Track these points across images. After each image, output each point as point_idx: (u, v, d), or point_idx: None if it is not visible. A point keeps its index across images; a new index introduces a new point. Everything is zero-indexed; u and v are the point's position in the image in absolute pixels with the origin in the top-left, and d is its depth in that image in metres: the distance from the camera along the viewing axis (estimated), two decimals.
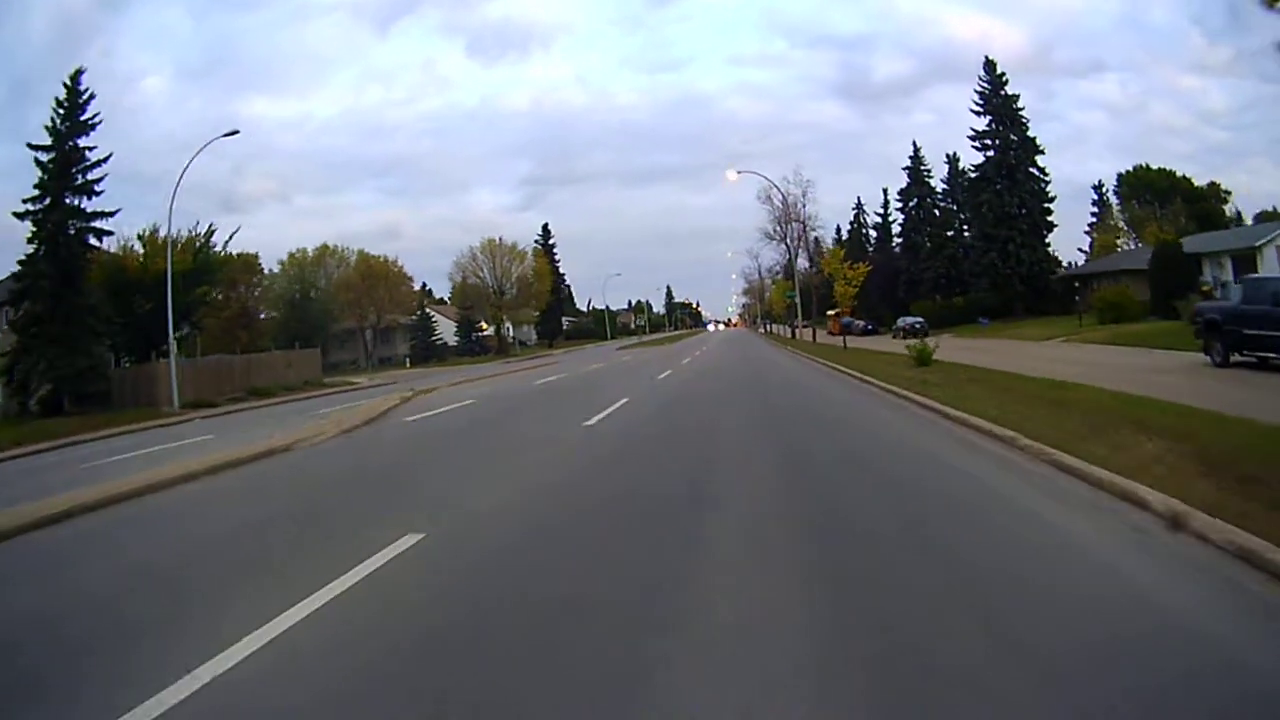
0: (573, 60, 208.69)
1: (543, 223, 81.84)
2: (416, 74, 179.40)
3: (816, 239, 50.20)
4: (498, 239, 57.02)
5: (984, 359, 17.37)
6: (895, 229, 64.64)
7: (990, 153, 48.14)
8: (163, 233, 30.46)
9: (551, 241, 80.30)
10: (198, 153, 26.98)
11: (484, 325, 70.33)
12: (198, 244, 31.36)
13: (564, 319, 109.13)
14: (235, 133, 28.37)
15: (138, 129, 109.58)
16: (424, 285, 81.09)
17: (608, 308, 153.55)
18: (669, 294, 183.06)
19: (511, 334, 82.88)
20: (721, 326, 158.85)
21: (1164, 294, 31.76)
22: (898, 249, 61.52)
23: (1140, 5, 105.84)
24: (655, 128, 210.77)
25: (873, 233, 70.61)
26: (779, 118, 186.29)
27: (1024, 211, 46.59)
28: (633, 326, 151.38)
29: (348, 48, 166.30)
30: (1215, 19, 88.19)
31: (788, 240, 48.40)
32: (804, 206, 47.52)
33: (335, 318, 58.10)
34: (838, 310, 64.91)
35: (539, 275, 58.08)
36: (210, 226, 31.22)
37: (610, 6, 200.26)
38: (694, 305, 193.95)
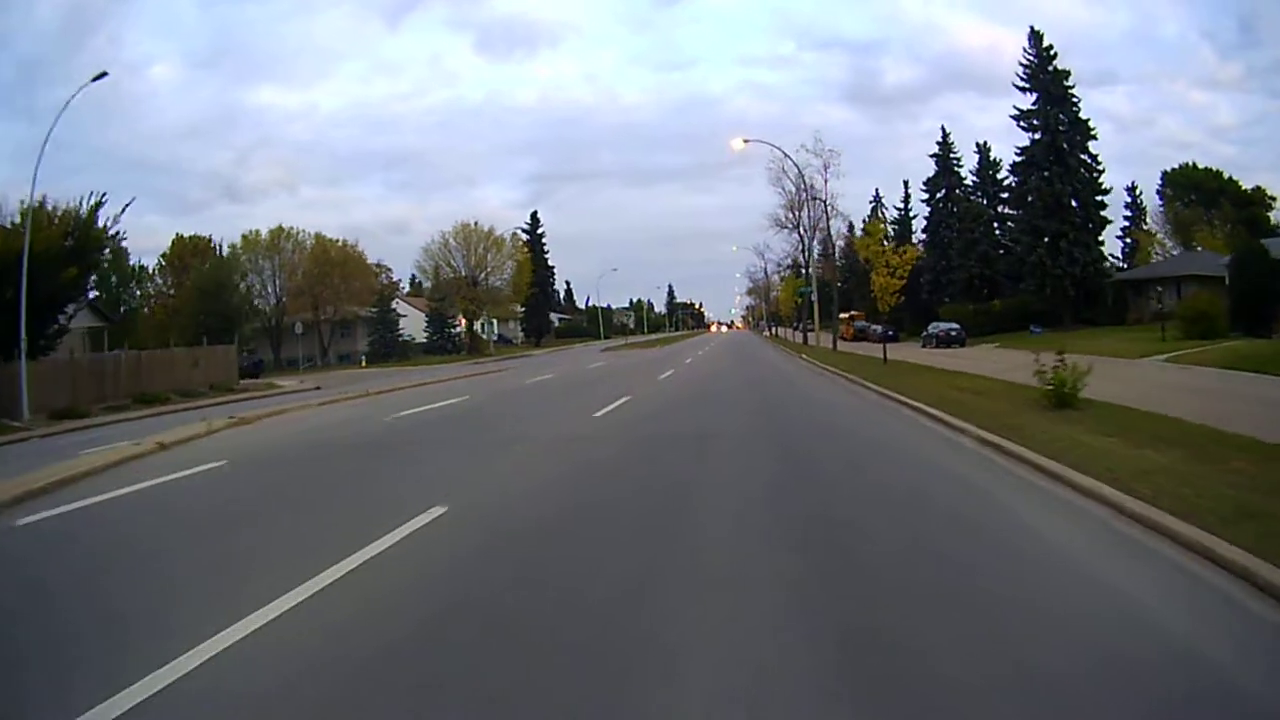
0: (580, 58, 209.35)
1: (531, 210, 75.51)
2: (424, 68, 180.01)
3: (850, 225, 43.47)
4: (472, 222, 51.07)
5: (1114, 391, 11.01)
6: (917, 225, 58.82)
7: (1036, 134, 41.70)
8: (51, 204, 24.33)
9: (540, 231, 74.14)
10: (71, 98, 22.45)
11: (461, 320, 64.29)
12: (72, 220, 24.95)
13: (557, 316, 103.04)
14: (104, 75, 23.30)
15: (145, 116, 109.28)
16: (412, 278, 75.09)
17: (607, 305, 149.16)
18: (670, 294, 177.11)
19: (494, 331, 76.62)
20: (724, 328, 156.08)
21: (1249, 304, 27.07)
22: (920, 246, 55.17)
23: (1151, 19, 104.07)
24: (662, 127, 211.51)
25: (891, 228, 64.28)
26: (787, 120, 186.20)
27: (1076, 203, 40.17)
28: (631, 326, 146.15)
29: (356, 40, 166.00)
30: (1227, 34, 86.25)
31: (801, 228, 42.04)
32: (826, 181, 40.10)
33: (286, 310, 51.89)
34: (851, 314, 58.64)
35: (519, 266, 51.74)
36: (97, 199, 24.83)
37: (619, 6, 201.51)
38: (696, 306, 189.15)
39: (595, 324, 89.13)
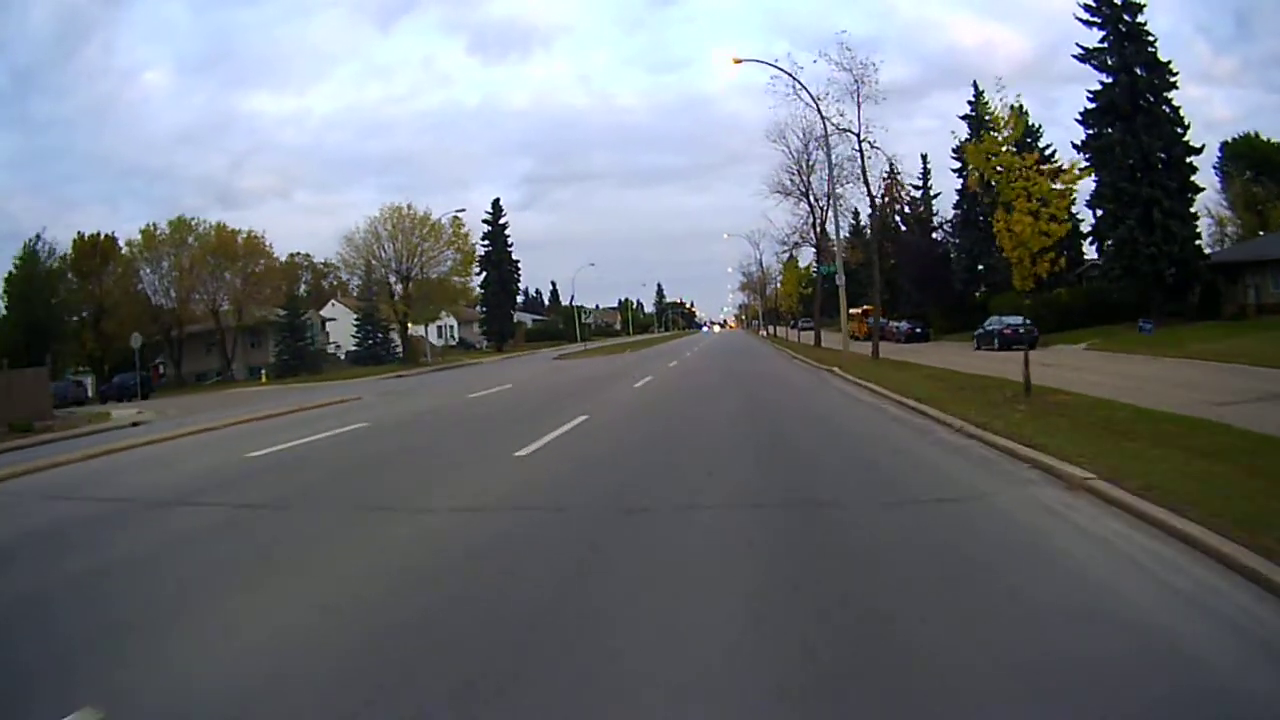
0: (574, 60, 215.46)
1: (494, 198, 66.25)
2: (418, 71, 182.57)
3: (891, 168, 32.75)
4: (404, 205, 41.83)
5: None
6: (943, 204, 50.23)
7: (1108, 76, 32.87)
8: None
9: (503, 221, 64.92)
10: None
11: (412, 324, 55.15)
12: None
13: (530, 317, 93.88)
14: None
15: (139, 123, 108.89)
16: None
17: (596, 305, 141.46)
18: (659, 292, 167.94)
19: (453, 335, 67.25)
20: (716, 328, 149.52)
21: None
22: (950, 227, 46.34)
23: (1145, 13, 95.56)
24: (656, 128, 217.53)
25: (907, 210, 55.53)
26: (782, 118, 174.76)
27: (1163, 165, 31.36)
28: (617, 327, 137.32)
29: (349, 44, 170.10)
30: (1222, 28, 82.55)
31: (812, 195, 32.59)
32: (860, 105, 24.20)
33: (180, 317, 42.59)
34: (864, 308, 49.67)
35: (463, 257, 42.63)
36: None
37: (612, 7, 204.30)
38: (687, 305, 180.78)
39: (571, 325, 79.82)
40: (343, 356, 48.66)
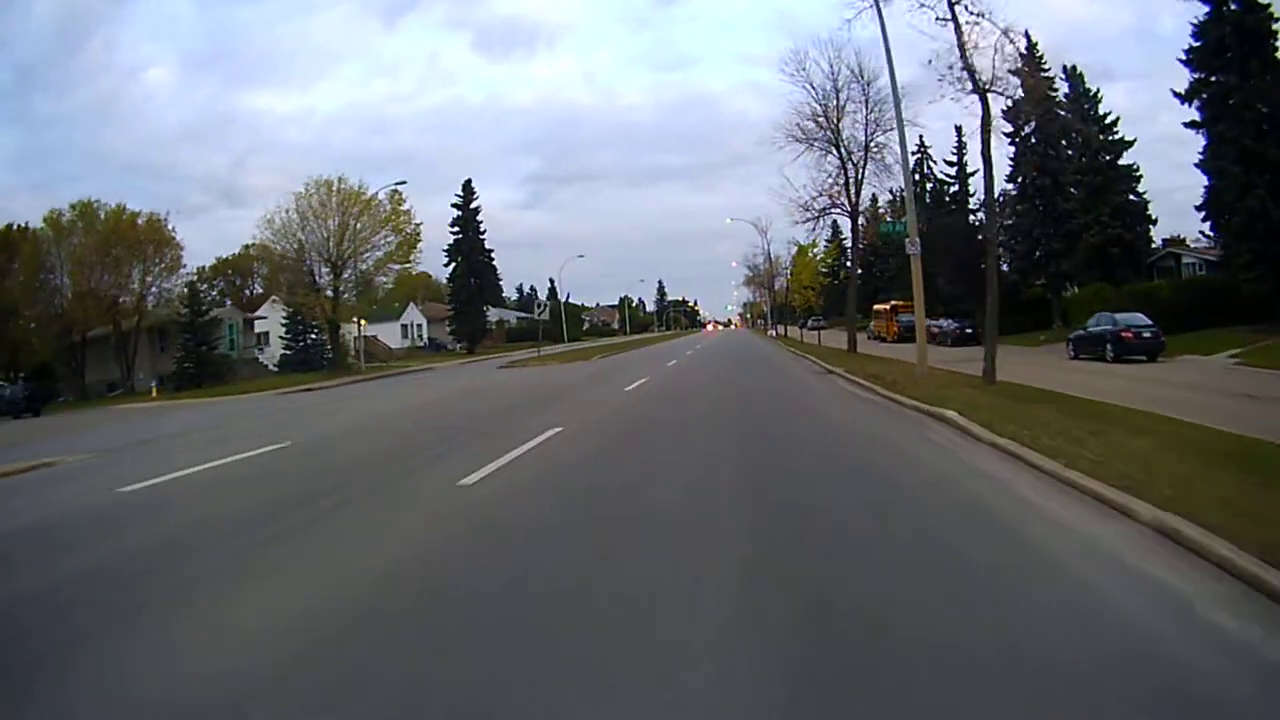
0: (579, 58, 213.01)
1: (465, 179, 58.84)
2: (422, 69, 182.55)
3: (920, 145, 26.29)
4: (334, 179, 34.45)
5: None
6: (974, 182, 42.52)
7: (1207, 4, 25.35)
8: None
9: (475, 206, 57.53)
10: None
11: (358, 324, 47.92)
12: None
13: (514, 315, 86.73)
14: None
15: (142, 121, 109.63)
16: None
17: (585, 304, 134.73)
18: (660, 290, 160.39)
19: (421, 333, 60.05)
20: (720, 327, 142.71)
21: None
22: (1000, 202, 38.74)
23: (1149, 14, 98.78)
24: (661, 127, 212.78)
25: (945, 180, 48.14)
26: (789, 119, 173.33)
27: None
28: (614, 326, 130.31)
29: (353, 41, 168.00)
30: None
31: (841, 145, 24.95)
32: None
33: (74, 317, 35.57)
34: (894, 304, 42.00)
35: (404, 240, 35.12)
36: None
37: (617, 5, 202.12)
38: (691, 304, 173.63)
39: (558, 323, 72.57)
40: (273, 363, 41.52)
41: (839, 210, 26.76)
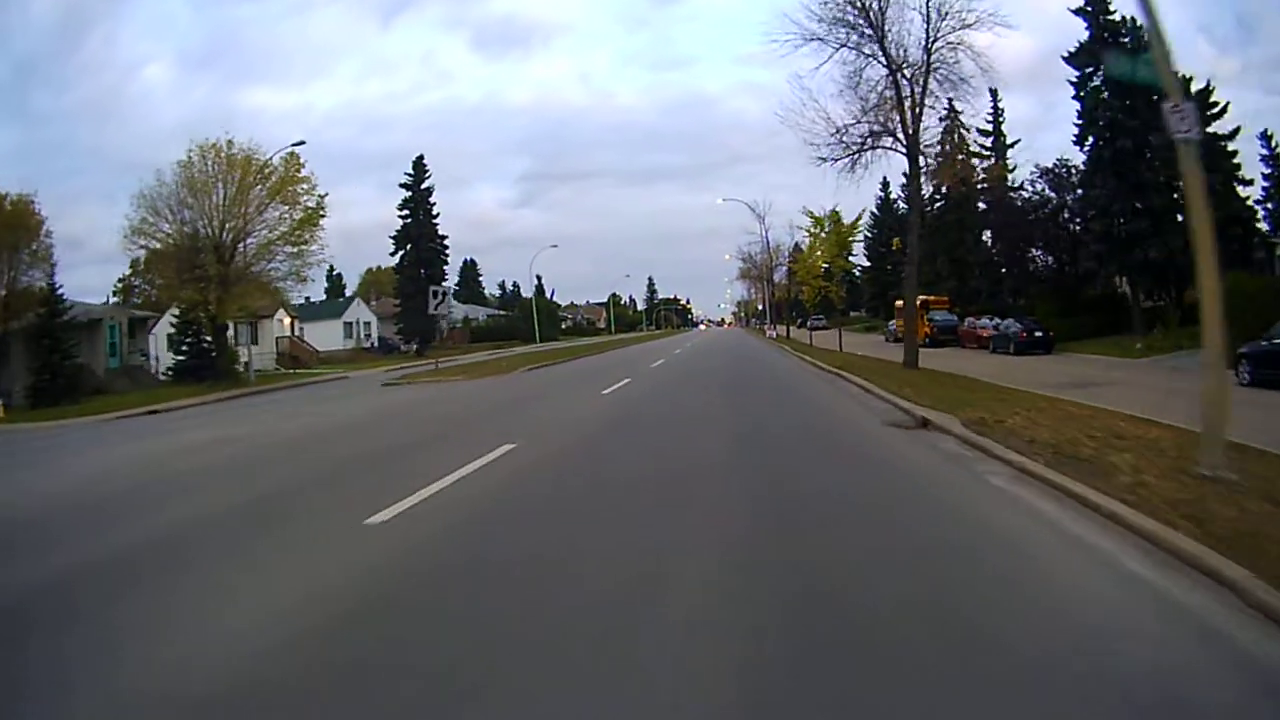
0: (576, 58, 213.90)
1: (417, 155, 51.28)
2: (418, 68, 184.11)
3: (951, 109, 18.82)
4: (222, 141, 26.79)
5: None
6: (1046, 144, 35.79)
7: None
8: None
9: (426, 186, 50.02)
10: None
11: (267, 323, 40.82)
12: None
13: (485, 312, 79.51)
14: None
15: (139, 118, 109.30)
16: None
17: (575, 298, 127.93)
18: (650, 287, 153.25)
19: (369, 334, 52.58)
20: (713, 326, 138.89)
21: None
22: (1061, 175, 31.73)
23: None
24: (657, 127, 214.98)
25: (980, 153, 41.25)
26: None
27: None
28: (600, 324, 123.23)
29: (350, 39, 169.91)
30: (1223, 28, 79.86)
31: (887, 46, 16.86)
32: None
33: None
34: (928, 299, 33.87)
35: (306, 215, 27.42)
36: None
37: (614, 4, 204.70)
38: (682, 302, 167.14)
39: (529, 321, 65.17)
40: (164, 372, 34.03)
41: (888, 144, 17.51)
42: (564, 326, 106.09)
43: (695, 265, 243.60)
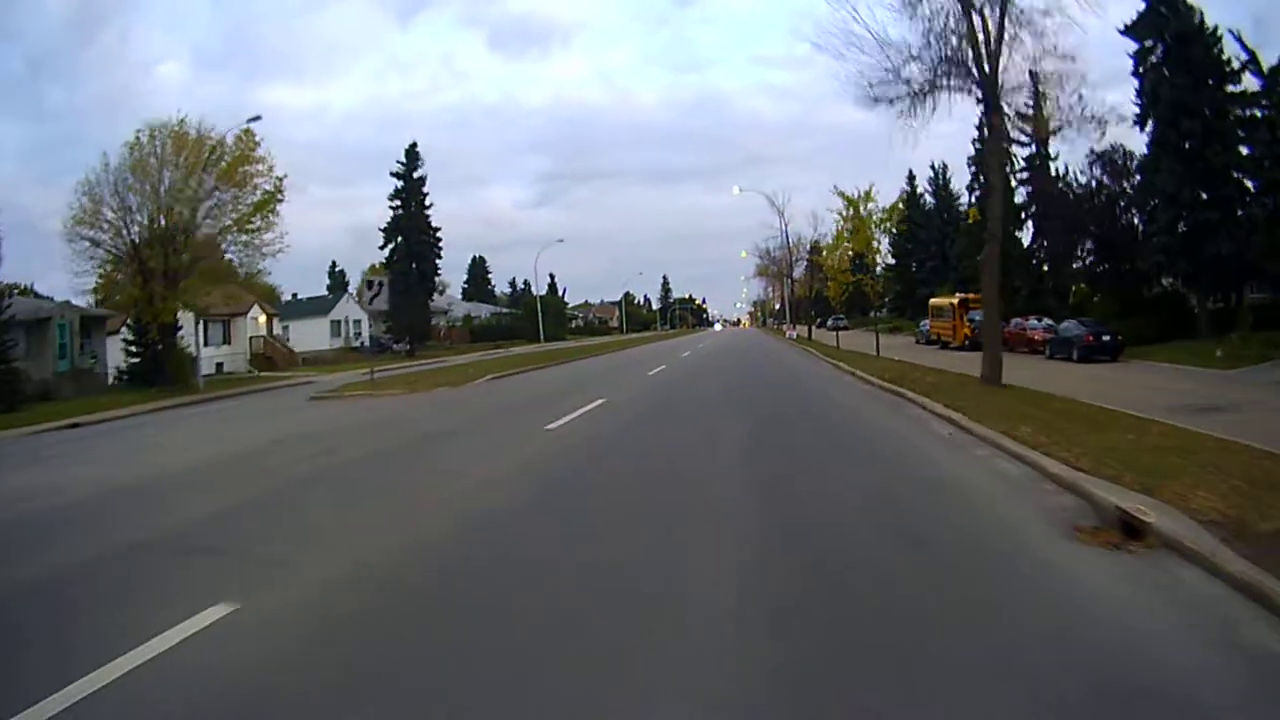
0: (594, 58, 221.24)
1: (411, 142, 48.52)
2: (436, 67, 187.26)
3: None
4: (173, 119, 23.98)
5: None
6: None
7: None
8: None
9: (419, 175, 47.36)
10: None
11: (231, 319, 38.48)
12: None
13: (488, 309, 77.04)
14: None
15: (154, 114, 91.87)
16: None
17: (590, 297, 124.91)
18: (664, 286, 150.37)
19: (357, 330, 50.07)
20: (730, 326, 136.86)
21: None
22: (1110, 162, 28.21)
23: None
24: (675, 127, 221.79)
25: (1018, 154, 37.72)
26: (802, 120, 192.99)
27: None
28: (613, 323, 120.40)
29: (368, 37, 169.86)
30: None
31: None
32: None
33: None
34: (966, 296, 29.59)
35: (264, 199, 24.41)
36: None
37: (633, 4, 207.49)
38: (697, 302, 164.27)
39: (533, 320, 62.31)
40: (119, 375, 31.50)
41: (957, 84, 13.40)
42: (575, 325, 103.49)
43: (711, 265, 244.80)
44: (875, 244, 20.51)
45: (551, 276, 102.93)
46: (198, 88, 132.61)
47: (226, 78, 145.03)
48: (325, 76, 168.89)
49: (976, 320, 28.65)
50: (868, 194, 20.53)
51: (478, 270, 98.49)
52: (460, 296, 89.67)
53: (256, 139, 24.54)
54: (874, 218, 20.58)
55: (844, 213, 20.37)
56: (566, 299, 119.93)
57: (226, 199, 24.36)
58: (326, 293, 62.88)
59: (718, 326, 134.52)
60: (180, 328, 26.45)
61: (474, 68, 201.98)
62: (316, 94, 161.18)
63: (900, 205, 23.06)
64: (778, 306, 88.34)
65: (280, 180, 24.79)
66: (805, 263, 46.75)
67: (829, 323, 55.21)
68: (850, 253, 20.79)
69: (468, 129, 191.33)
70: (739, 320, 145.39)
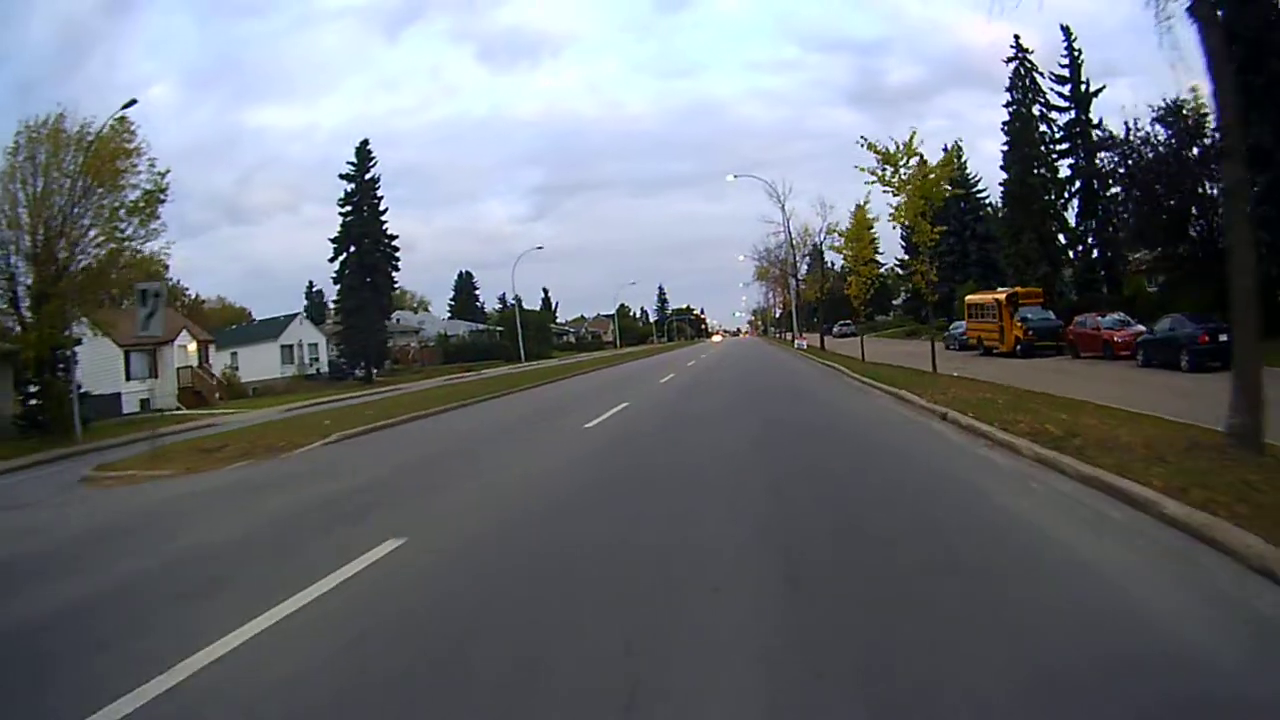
0: (583, 68, 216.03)
1: (363, 139, 44.14)
2: (426, 82, 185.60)
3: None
4: (54, 115, 19.53)
5: None
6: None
7: None
8: None
9: (372, 176, 42.89)
10: None
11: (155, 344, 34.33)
12: None
13: (469, 326, 72.62)
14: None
15: (144, 138, 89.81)
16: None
17: (585, 310, 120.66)
18: (660, 296, 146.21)
19: (315, 353, 45.49)
20: (729, 335, 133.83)
21: None
22: (1179, 119, 23.69)
23: (1150, 8, 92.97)
24: (667, 135, 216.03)
25: (1057, 104, 33.28)
26: (794, 124, 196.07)
27: None
28: (606, 337, 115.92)
29: (357, 55, 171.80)
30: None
31: None
32: None
33: None
34: (1012, 291, 23.92)
35: (144, 199, 19.99)
36: None
37: (621, 14, 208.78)
38: (696, 312, 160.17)
39: (512, 337, 57.65)
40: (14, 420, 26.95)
41: None
42: (566, 340, 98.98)
43: (708, 274, 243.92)
44: (928, 212, 15.71)
45: (545, 291, 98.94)
46: (188, 110, 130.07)
47: (215, 99, 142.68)
48: (314, 95, 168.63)
49: (1030, 319, 24.14)
50: (909, 145, 15.72)
51: (464, 286, 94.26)
52: (448, 314, 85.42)
53: (133, 127, 20.05)
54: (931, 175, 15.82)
55: (879, 172, 15.51)
56: (559, 313, 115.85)
57: (96, 202, 19.78)
58: (304, 313, 58.35)
59: (716, 337, 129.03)
60: (73, 359, 21.90)
61: (464, 83, 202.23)
62: (306, 113, 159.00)
63: (955, 157, 18.41)
64: (778, 314, 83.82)
65: (163, 175, 20.27)
66: (808, 261, 42.19)
67: (835, 329, 50.58)
68: (904, 222, 15.89)
69: (459, 144, 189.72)
70: (739, 330, 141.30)
